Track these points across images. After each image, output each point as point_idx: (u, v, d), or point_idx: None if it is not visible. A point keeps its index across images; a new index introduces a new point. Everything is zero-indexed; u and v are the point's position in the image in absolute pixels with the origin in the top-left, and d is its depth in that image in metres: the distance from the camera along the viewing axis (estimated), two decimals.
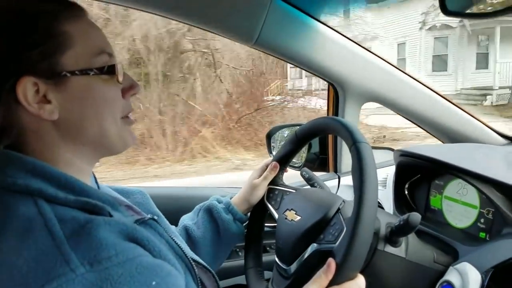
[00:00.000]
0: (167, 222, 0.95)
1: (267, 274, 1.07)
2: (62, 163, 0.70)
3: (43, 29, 0.65)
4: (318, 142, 1.66)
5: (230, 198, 1.14)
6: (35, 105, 0.65)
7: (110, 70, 0.70)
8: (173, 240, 0.78)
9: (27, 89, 0.64)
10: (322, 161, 1.67)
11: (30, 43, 0.64)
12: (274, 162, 1.12)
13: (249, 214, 1.14)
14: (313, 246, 0.89)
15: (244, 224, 1.13)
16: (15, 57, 0.64)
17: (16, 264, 0.56)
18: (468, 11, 0.93)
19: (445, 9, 0.83)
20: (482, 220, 1.05)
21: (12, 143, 0.68)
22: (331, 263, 0.77)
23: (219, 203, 1.12)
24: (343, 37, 1.36)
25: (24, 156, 0.67)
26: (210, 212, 1.10)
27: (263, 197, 1.12)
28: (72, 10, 0.70)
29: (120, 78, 0.72)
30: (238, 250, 1.50)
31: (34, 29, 0.65)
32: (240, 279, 1.39)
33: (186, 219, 1.12)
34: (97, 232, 0.59)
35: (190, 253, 0.83)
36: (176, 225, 1.11)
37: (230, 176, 6.73)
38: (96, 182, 0.86)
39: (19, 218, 0.60)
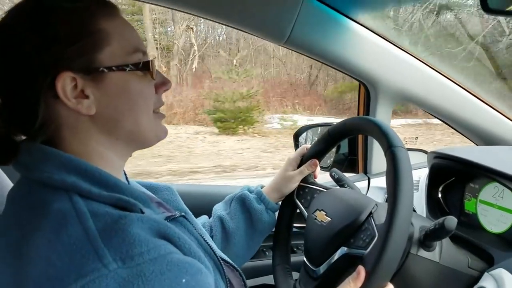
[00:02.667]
0: (195, 219, 0.95)
1: (295, 275, 1.06)
2: (97, 157, 0.71)
3: (82, 26, 0.67)
4: (347, 143, 1.64)
5: (261, 188, 1.13)
6: (74, 100, 0.66)
7: (145, 67, 0.71)
8: (203, 238, 0.78)
9: (66, 84, 0.65)
10: (351, 162, 1.65)
11: (68, 40, 0.65)
12: (314, 160, 1.10)
13: (280, 203, 1.13)
14: (342, 250, 0.88)
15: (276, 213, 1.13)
16: (55, 53, 0.65)
17: (51, 258, 0.56)
18: (509, 8, 0.89)
19: (486, 7, 0.81)
20: None
21: (48, 138, 0.69)
22: (361, 271, 0.75)
23: (250, 192, 1.12)
24: (377, 36, 1.34)
25: (60, 151, 0.67)
26: (242, 202, 1.10)
27: (293, 194, 1.11)
28: (107, 8, 0.71)
29: (154, 75, 0.73)
30: (265, 250, 1.49)
31: (73, 27, 0.66)
32: (268, 279, 1.38)
33: (219, 209, 1.12)
34: (130, 228, 0.59)
35: (219, 252, 0.83)
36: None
37: None
38: (126, 178, 0.86)
39: (53, 213, 0.61)
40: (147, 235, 0.60)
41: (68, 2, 0.67)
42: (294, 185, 1.10)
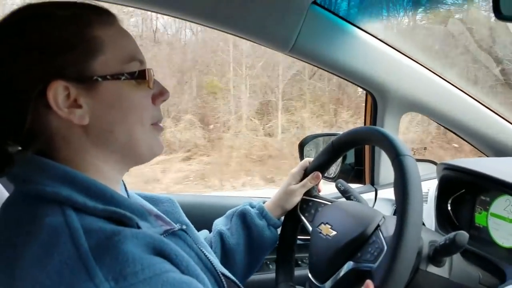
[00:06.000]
0: (196, 232, 0.93)
1: None
2: (92, 170, 0.69)
3: (75, 34, 0.65)
4: (354, 153, 1.62)
5: (263, 203, 1.10)
6: (66, 109, 0.64)
7: (141, 75, 0.69)
8: (203, 252, 0.75)
9: (58, 93, 0.63)
10: (357, 173, 1.62)
11: (62, 47, 0.64)
12: (316, 172, 1.08)
13: (282, 218, 1.10)
14: (349, 264, 0.85)
15: (278, 230, 1.10)
16: (46, 61, 0.63)
17: (40, 277, 0.54)
18: None
19: (499, 14, 0.78)
20: None
21: (42, 149, 0.67)
22: (370, 285, 0.73)
23: (252, 207, 1.09)
24: (384, 44, 1.32)
25: (54, 162, 0.65)
26: (243, 217, 1.08)
27: (296, 208, 1.08)
28: (103, 16, 0.69)
29: (151, 84, 0.71)
30: (269, 262, 1.47)
31: (66, 34, 0.64)
32: None
33: (220, 224, 1.09)
34: (124, 245, 0.57)
35: (219, 267, 0.80)
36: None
37: None
38: (126, 190, 0.84)
39: (45, 228, 0.58)
40: (142, 253, 0.58)
41: (62, 10, 0.66)
42: (296, 199, 1.08)
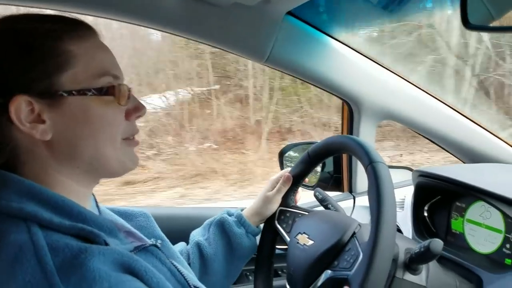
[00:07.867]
0: (171, 246, 0.91)
1: None
2: (58, 185, 0.67)
3: (44, 48, 0.64)
4: (332, 161, 1.62)
5: (241, 211, 1.10)
6: (28, 124, 0.63)
7: (109, 92, 0.67)
8: (175, 267, 0.74)
9: (21, 108, 0.62)
10: (336, 181, 1.62)
11: (29, 61, 0.63)
12: (287, 174, 1.09)
13: (261, 226, 1.10)
14: (326, 273, 0.85)
15: (257, 237, 1.10)
16: (11, 76, 0.62)
17: None
18: (492, 24, 0.88)
19: (467, 23, 0.79)
20: (507, 246, 0.99)
21: (7, 162, 0.65)
22: None
23: (230, 216, 1.09)
24: (358, 54, 1.33)
25: (21, 178, 0.64)
26: (221, 226, 1.07)
27: (274, 219, 1.08)
28: (79, 30, 0.68)
29: (122, 101, 0.69)
30: (248, 274, 1.45)
31: (35, 48, 0.63)
32: None
33: (197, 235, 1.09)
34: (91, 263, 0.55)
35: (193, 281, 0.79)
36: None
37: None
38: (97, 205, 0.82)
39: (10, 246, 0.57)
40: (110, 270, 0.57)
41: (34, 24, 0.65)
42: (274, 206, 1.08)
